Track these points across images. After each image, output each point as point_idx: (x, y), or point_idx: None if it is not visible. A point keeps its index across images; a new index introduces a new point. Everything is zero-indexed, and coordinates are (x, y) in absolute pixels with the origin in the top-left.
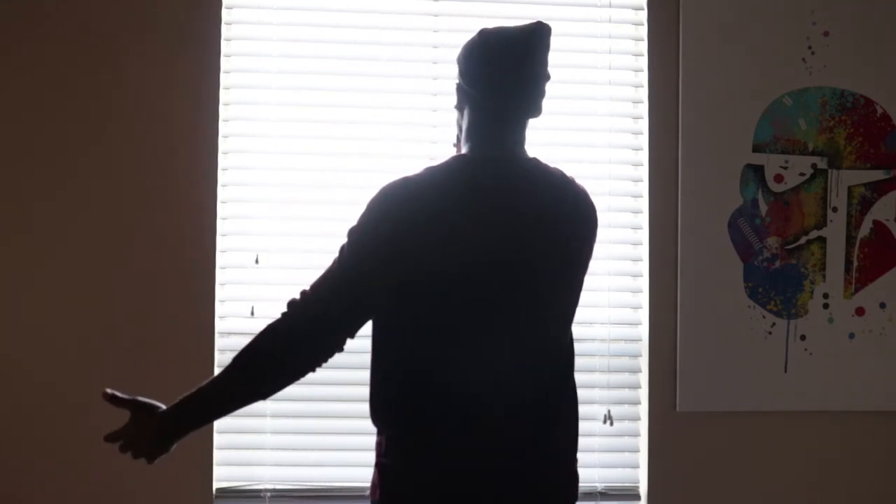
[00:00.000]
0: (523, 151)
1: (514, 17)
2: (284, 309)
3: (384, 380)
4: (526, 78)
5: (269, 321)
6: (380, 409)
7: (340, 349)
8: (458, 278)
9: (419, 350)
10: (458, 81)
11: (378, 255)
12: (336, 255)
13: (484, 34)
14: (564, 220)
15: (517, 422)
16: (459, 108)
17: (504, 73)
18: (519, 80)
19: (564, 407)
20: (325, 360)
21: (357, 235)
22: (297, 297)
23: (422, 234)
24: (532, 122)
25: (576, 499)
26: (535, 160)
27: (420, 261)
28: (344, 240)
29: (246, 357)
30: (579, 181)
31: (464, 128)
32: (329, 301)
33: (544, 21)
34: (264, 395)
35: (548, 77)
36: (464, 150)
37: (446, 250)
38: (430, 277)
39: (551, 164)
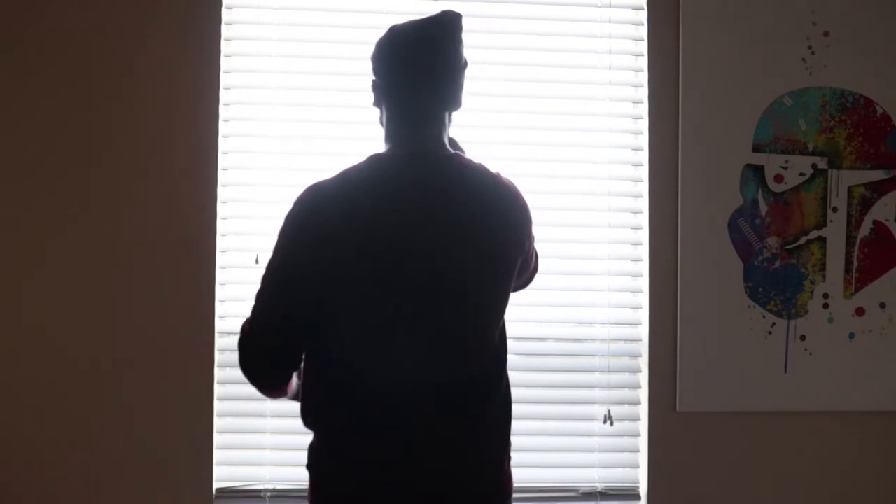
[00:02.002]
0: (441, 147)
1: (514, 17)
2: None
3: (308, 382)
4: (437, 69)
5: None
6: (305, 412)
7: (298, 353)
8: (366, 281)
9: (338, 351)
10: (372, 78)
11: (295, 261)
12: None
13: (393, 29)
14: (481, 217)
15: (439, 422)
16: (377, 105)
17: (411, 65)
18: (429, 71)
19: (492, 409)
20: (289, 364)
21: (277, 242)
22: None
23: (331, 238)
24: (531, 123)
25: (508, 499)
26: (455, 156)
27: (330, 265)
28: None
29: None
30: (506, 177)
31: (383, 126)
32: (267, 314)
33: (454, 11)
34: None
35: (464, 66)
36: (382, 149)
37: (355, 253)
38: (340, 281)
39: (475, 161)
